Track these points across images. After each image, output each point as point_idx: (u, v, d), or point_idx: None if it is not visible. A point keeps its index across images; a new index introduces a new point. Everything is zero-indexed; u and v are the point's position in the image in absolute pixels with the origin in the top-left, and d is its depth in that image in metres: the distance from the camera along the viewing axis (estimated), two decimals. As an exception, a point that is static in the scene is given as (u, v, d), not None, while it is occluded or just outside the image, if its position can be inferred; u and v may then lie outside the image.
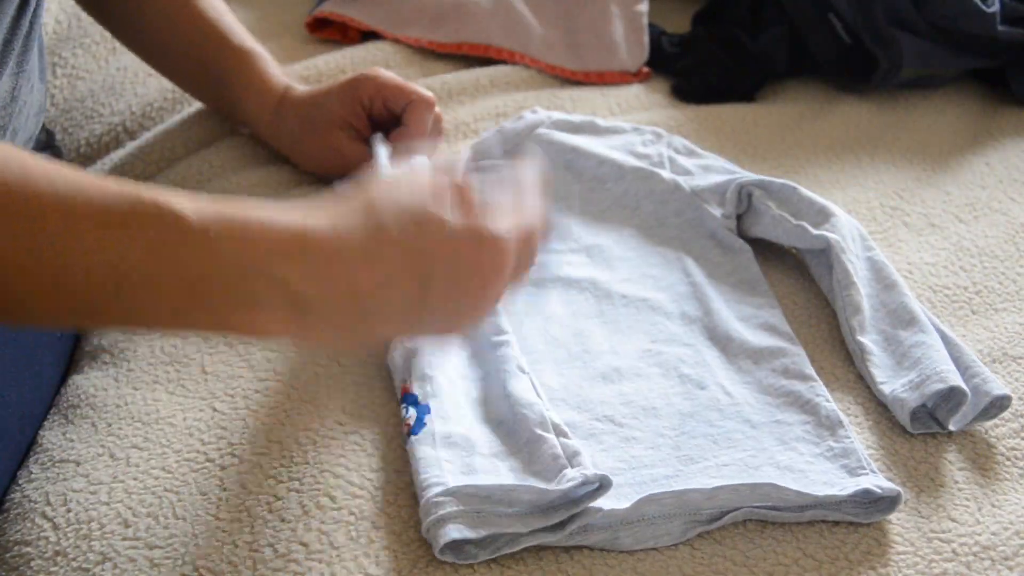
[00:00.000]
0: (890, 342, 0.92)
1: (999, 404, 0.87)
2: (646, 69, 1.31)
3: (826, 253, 0.98)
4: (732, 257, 1.01)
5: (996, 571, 0.79)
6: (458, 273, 0.70)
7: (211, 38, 1.09)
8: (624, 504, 0.78)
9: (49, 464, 0.87)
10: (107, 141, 1.21)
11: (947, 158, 1.19)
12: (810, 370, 0.90)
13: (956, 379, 0.86)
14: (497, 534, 0.76)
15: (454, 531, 0.75)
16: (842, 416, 0.86)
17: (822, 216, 1.00)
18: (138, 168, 1.16)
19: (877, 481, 0.80)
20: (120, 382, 0.92)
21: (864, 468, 0.82)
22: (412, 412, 0.84)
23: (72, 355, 0.99)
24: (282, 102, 1.09)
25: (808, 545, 0.80)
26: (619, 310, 0.96)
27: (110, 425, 0.89)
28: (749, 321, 0.95)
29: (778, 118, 1.23)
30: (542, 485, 0.77)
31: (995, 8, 1.24)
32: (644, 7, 1.34)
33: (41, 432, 0.90)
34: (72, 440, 0.88)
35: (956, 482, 0.84)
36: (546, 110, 1.14)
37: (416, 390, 0.86)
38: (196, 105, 1.20)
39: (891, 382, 0.89)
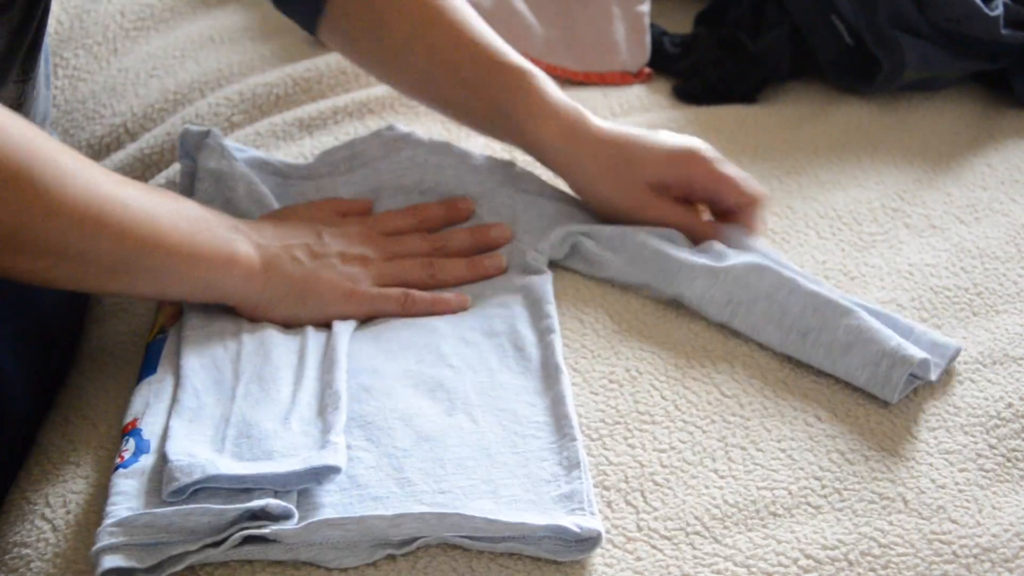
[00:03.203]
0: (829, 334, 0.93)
1: (956, 354, 0.93)
2: (647, 69, 1.31)
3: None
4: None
5: (996, 573, 0.79)
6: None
7: (483, 61, 1.03)
8: (297, 524, 0.77)
9: (48, 465, 0.87)
10: (108, 142, 1.22)
11: (948, 159, 1.19)
12: (570, 408, 0.88)
13: (917, 351, 0.89)
14: (163, 558, 0.75)
15: (111, 561, 0.74)
16: (582, 457, 0.84)
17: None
18: (138, 169, 1.16)
19: (581, 520, 0.78)
20: (120, 383, 0.93)
21: (583, 509, 0.80)
22: (132, 444, 0.83)
23: (73, 356, 1.00)
24: (575, 133, 1.02)
25: (808, 546, 0.80)
26: (398, 332, 0.95)
27: (110, 426, 0.89)
28: (523, 350, 0.93)
29: (779, 119, 1.23)
30: (219, 506, 0.76)
31: (999, 11, 1.24)
32: (646, 7, 1.34)
33: (41, 433, 0.90)
34: (72, 441, 0.88)
35: (956, 483, 0.84)
36: (406, 126, 1.11)
37: (144, 427, 0.84)
38: (195, 106, 1.20)
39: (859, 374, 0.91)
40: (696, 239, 1.01)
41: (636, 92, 1.27)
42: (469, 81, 1.03)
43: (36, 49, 0.93)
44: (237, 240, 0.91)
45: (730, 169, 1.01)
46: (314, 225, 0.98)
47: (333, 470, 0.79)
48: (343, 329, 0.92)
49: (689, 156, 1.01)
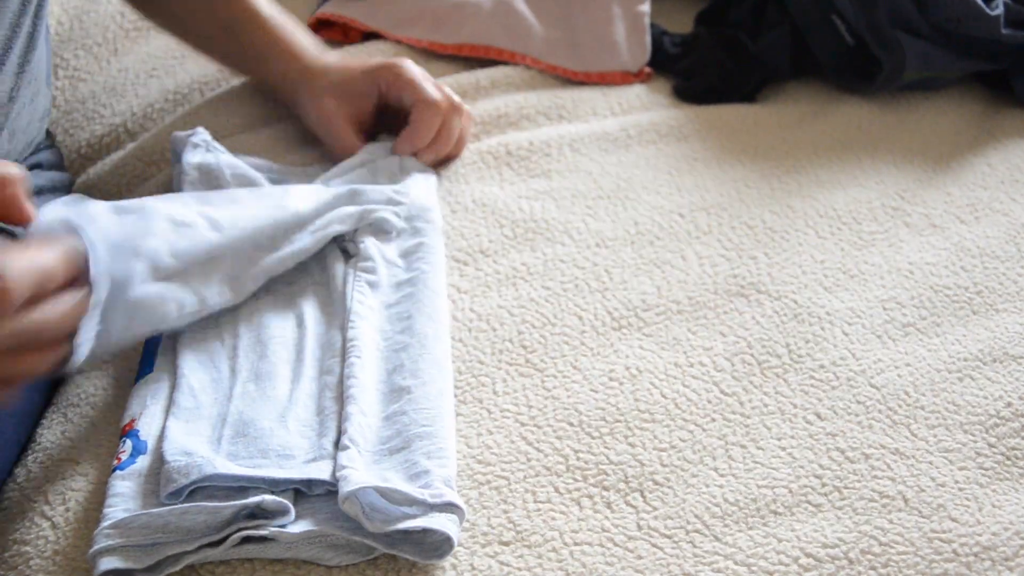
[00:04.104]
0: None
1: None
2: (647, 69, 1.30)
3: None
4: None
5: (996, 571, 0.79)
6: None
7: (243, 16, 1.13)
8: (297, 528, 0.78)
9: (48, 463, 0.87)
10: (108, 142, 1.22)
11: (948, 159, 1.19)
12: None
13: None
14: (161, 558, 0.76)
15: (109, 563, 0.75)
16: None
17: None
18: (138, 168, 1.16)
19: None
20: (120, 381, 0.93)
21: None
22: (129, 445, 0.83)
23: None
24: (308, 70, 1.12)
25: (809, 544, 0.80)
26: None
27: (110, 424, 0.89)
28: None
29: (779, 118, 1.23)
30: (214, 504, 0.77)
31: (999, 11, 1.24)
32: (646, 7, 1.34)
33: (40, 431, 0.90)
34: (71, 439, 0.88)
35: (956, 482, 0.84)
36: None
37: (141, 427, 0.84)
38: (194, 105, 1.20)
39: None
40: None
41: (636, 92, 1.27)
42: (230, 33, 1.14)
43: (34, 41, 0.93)
44: None
45: (416, 75, 1.10)
46: None
47: (325, 484, 0.80)
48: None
49: (382, 68, 1.10)
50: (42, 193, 1.06)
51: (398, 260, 0.98)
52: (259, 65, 1.15)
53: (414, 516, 0.77)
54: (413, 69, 1.10)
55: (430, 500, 0.77)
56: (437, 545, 0.77)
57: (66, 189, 1.10)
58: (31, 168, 1.06)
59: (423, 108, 1.08)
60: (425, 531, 0.77)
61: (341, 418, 0.84)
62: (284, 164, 1.11)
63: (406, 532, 0.77)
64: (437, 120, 1.08)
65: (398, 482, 0.79)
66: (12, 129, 0.95)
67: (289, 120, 1.18)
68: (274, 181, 1.06)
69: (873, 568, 0.78)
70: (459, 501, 0.78)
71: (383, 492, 0.77)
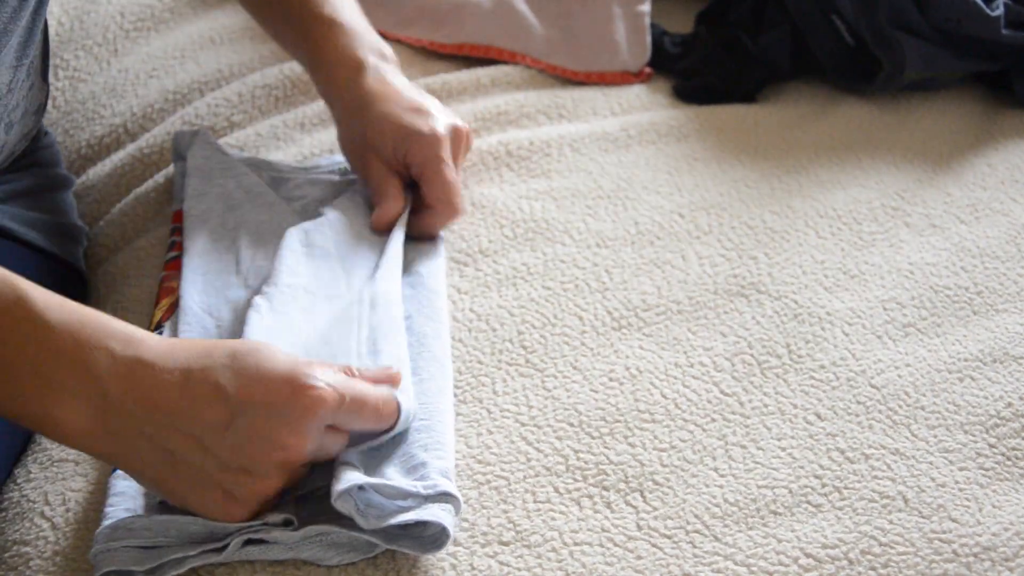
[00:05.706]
0: None
1: None
2: (648, 69, 1.30)
3: None
4: None
5: (996, 572, 0.79)
6: (268, 411, 0.73)
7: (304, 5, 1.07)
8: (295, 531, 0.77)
9: (48, 463, 0.87)
10: (108, 143, 1.22)
11: (948, 159, 1.19)
12: None
13: None
14: (163, 561, 0.76)
15: (110, 564, 0.75)
16: None
17: None
18: (138, 169, 1.16)
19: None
20: (119, 381, 0.92)
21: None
22: None
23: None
24: (349, 86, 1.05)
25: (809, 545, 0.80)
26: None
27: (109, 424, 0.89)
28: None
29: (779, 118, 1.23)
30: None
31: (999, 11, 1.24)
32: (646, 7, 1.34)
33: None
34: (71, 439, 0.88)
35: (957, 482, 0.84)
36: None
37: None
38: (195, 106, 1.20)
39: None
40: (376, 199, 1.02)
41: (636, 92, 1.27)
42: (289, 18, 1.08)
43: (32, 34, 0.94)
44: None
45: (448, 172, 1.01)
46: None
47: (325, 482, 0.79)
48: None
49: (416, 137, 1.01)
50: (40, 191, 1.06)
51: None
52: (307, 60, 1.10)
53: (408, 509, 0.77)
54: (446, 163, 1.01)
55: (423, 492, 0.77)
56: (435, 537, 0.77)
57: (64, 187, 1.10)
58: (29, 167, 1.06)
59: (445, 215, 1.02)
60: (422, 524, 0.77)
61: None
62: (283, 162, 1.11)
63: (404, 527, 0.77)
64: (455, 214, 1.03)
65: (394, 476, 0.79)
66: (9, 121, 0.96)
67: (287, 117, 1.18)
68: (274, 180, 1.06)
69: (873, 568, 0.78)
70: (454, 490, 0.78)
71: (377, 488, 0.77)
